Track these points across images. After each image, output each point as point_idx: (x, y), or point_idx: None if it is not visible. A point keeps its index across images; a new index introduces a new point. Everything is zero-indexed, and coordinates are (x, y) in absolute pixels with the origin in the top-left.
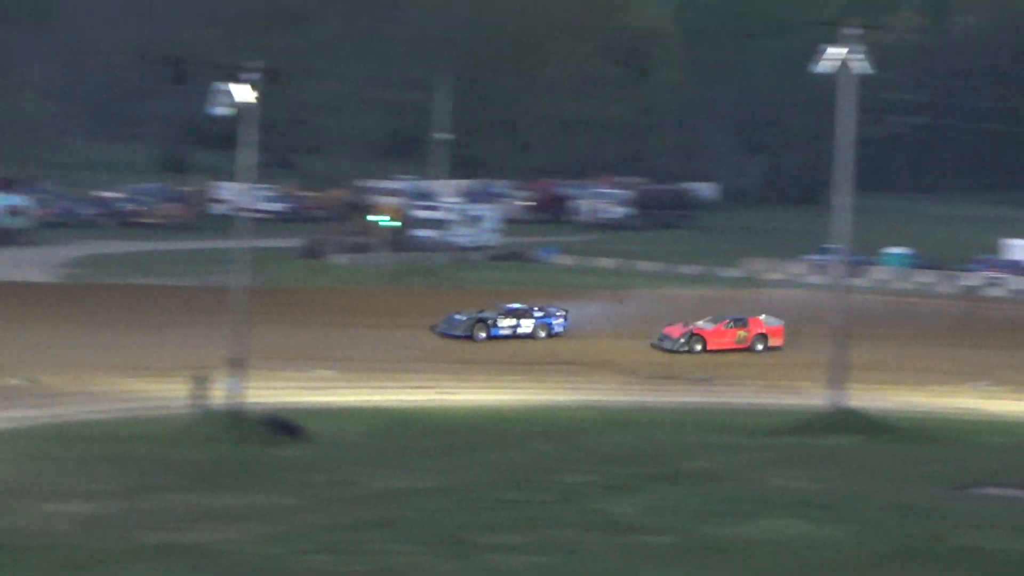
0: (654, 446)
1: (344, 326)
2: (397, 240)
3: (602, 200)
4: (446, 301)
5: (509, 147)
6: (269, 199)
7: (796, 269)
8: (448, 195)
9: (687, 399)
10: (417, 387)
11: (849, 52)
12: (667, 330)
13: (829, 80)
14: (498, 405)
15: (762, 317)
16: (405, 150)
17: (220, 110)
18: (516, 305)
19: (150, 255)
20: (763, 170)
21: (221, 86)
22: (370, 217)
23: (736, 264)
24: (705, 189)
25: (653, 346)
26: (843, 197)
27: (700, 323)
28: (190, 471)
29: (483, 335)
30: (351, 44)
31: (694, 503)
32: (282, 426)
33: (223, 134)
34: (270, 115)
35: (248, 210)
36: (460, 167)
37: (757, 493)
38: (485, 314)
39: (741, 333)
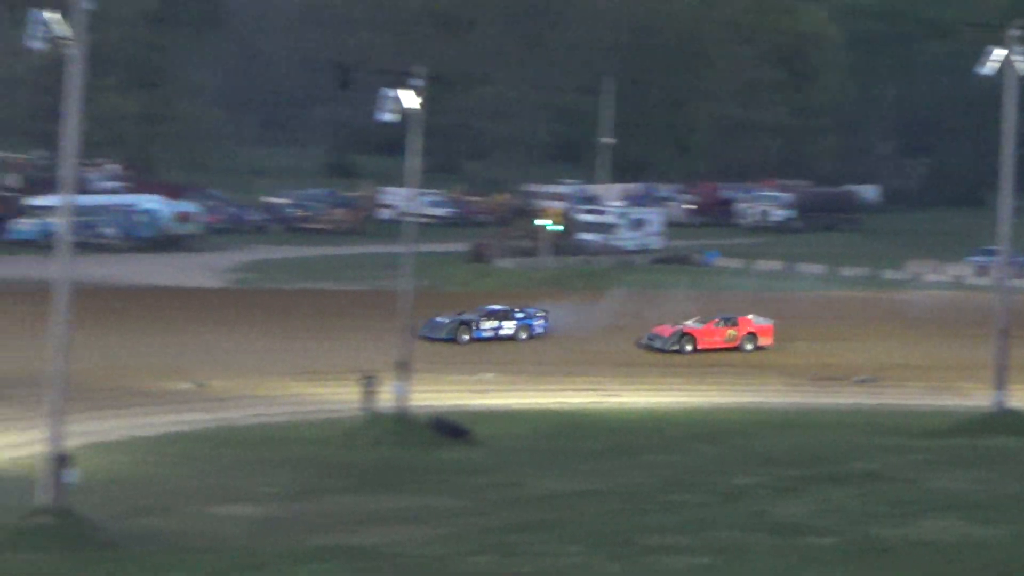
0: (816, 447)
1: None
2: (561, 244)
3: (765, 203)
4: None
5: (673, 151)
6: (435, 204)
7: (959, 271)
8: (612, 199)
9: (844, 400)
10: (580, 389)
11: (1012, 53)
12: (657, 330)
13: (991, 81)
14: (659, 407)
15: (751, 317)
16: (570, 154)
17: (387, 116)
18: (496, 307)
19: (317, 260)
20: (925, 172)
21: (388, 92)
22: (535, 221)
23: (899, 266)
24: (867, 191)
25: (641, 346)
26: (1006, 198)
27: (689, 323)
28: (357, 474)
29: (466, 337)
30: (517, 50)
31: (857, 504)
32: (448, 428)
33: (390, 139)
34: (436, 120)
35: (414, 215)
36: (624, 171)
37: (919, 494)
38: (467, 316)
39: (731, 332)
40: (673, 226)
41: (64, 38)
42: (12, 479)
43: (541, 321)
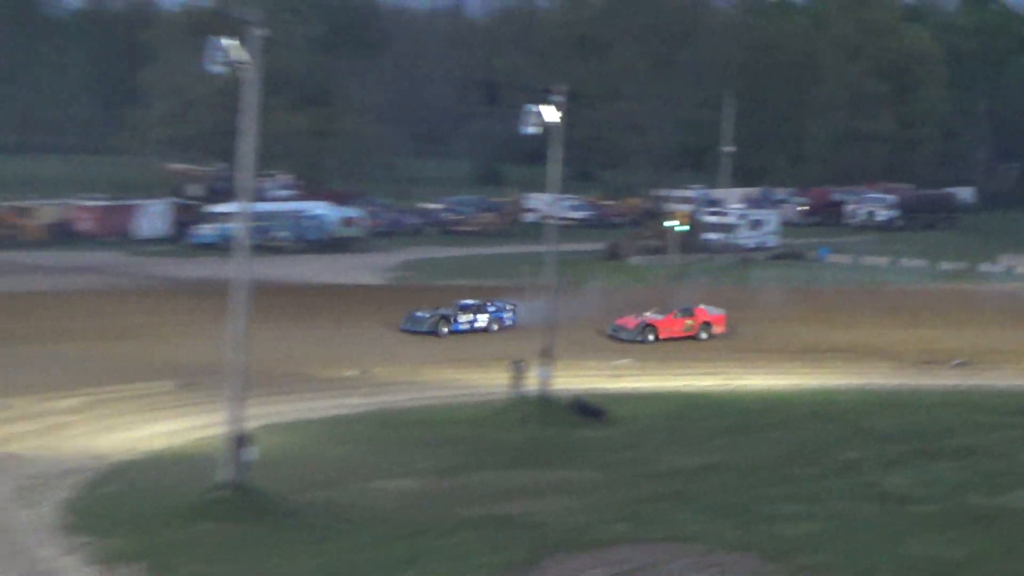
0: (918, 425)
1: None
2: (688, 243)
3: (871, 205)
4: (719, 296)
5: (788, 158)
6: (574, 208)
7: None
8: (733, 202)
9: (943, 382)
10: (706, 373)
11: None
12: (620, 321)
13: None
14: (775, 389)
15: (704, 307)
16: (695, 162)
17: (530, 129)
18: (470, 301)
19: (468, 259)
20: (1016, 175)
21: (532, 108)
22: (664, 223)
23: (993, 260)
24: (964, 193)
25: (609, 336)
26: None
27: (649, 314)
28: (505, 451)
29: (445, 330)
30: (647, 69)
31: (956, 476)
32: (587, 409)
33: (533, 150)
34: (575, 133)
35: (555, 218)
36: (744, 176)
37: (1013, 467)
38: (444, 311)
39: (688, 322)
40: (788, 226)
41: (241, 62)
42: (198, 457)
43: (510, 314)
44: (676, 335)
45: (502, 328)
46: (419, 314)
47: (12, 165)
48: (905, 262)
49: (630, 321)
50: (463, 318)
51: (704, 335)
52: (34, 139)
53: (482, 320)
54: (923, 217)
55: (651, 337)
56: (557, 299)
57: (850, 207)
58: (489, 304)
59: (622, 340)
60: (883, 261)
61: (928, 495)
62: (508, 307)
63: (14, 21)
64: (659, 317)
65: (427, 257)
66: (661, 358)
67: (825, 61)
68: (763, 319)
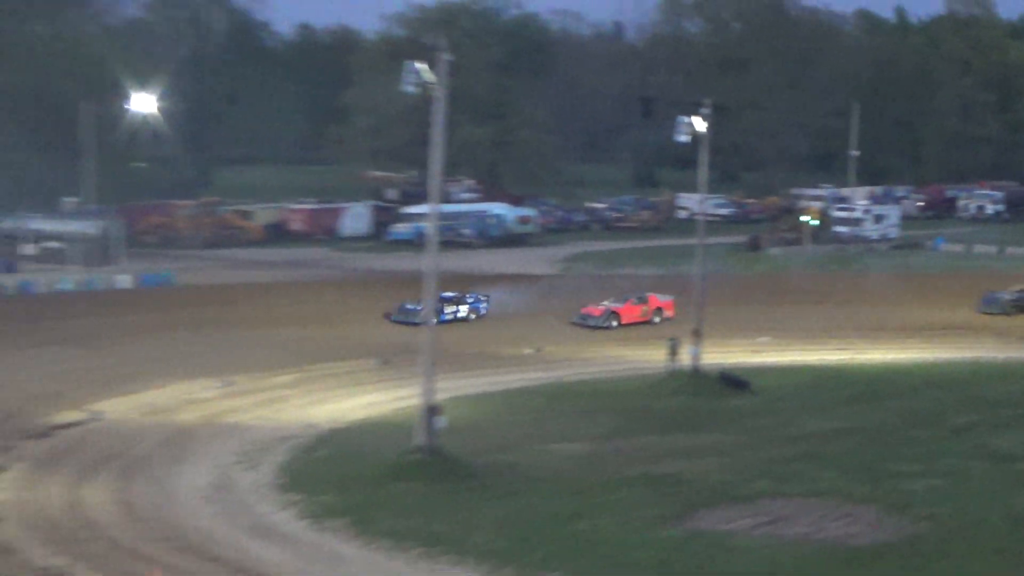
0: None
1: (778, 303)
2: (819, 235)
3: (980, 200)
4: (849, 282)
5: (906, 160)
6: (719, 206)
7: None
8: (859, 199)
9: None
10: (836, 349)
11: None
12: (586, 310)
13: None
14: (898, 362)
15: (655, 294)
16: (825, 164)
17: (682, 137)
18: (451, 293)
19: (627, 251)
20: None
21: (683, 119)
22: (799, 218)
23: None
24: None
25: (575, 324)
26: None
27: (607, 302)
28: (661, 417)
29: (434, 321)
30: (782, 83)
31: None
32: (732, 381)
33: (683, 155)
34: (719, 140)
35: (704, 215)
36: (868, 176)
37: None
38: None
39: (644, 308)
40: (907, 219)
41: (430, 83)
42: (395, 425)
43: (485, 304)
44: (635, 320)
45: (479, 317)
46: (409, 306)
47: (236, 175)
48: (1010, 250)
49: (595, 310)
50: (448, 309)
51: (656, 319)
52: (254, 152)
53: (463, 311)
54: None
55: (615, 323)
56: (705, 287)
57: (962, 202)
58: (468, 296)
59: (589, 327)
60: (991, 249)
61: None
62: (483, 298)
63: (238, 52)
64: (619, 305)
65: (591, 250)
66: (799, 336)
67: (938, 74)
68: (885, 301)
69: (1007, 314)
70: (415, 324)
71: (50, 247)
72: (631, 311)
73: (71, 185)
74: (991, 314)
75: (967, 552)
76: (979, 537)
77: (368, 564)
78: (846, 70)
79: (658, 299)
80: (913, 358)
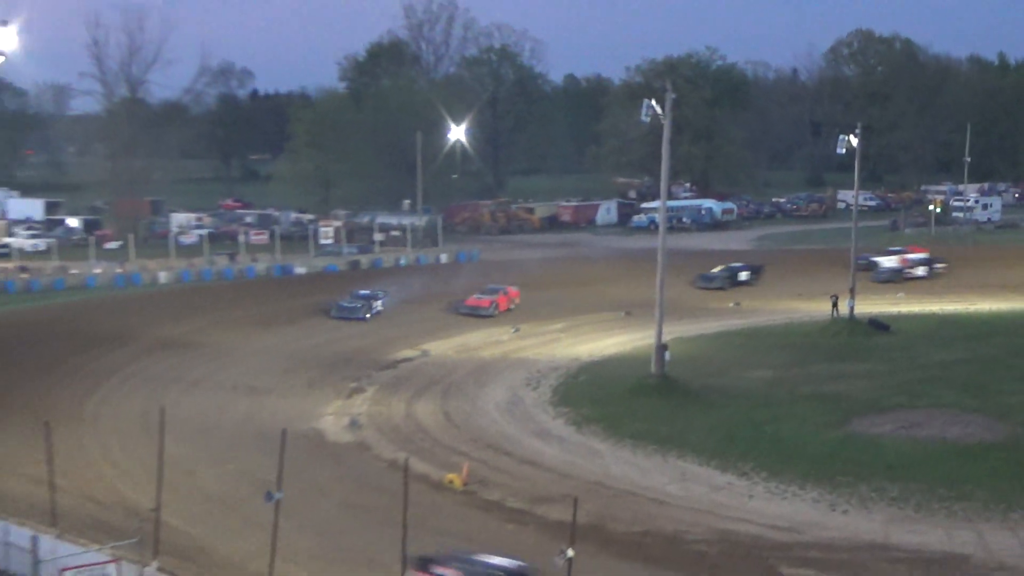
0: None
1: None
2: (942, 219)
3: None
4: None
5: (1006, 163)
6: (868, 199)
7: None
8: (971, 192)
9: None
10: (954, 301)
11: None
12: (470, 302)
13: None
14: (1001, 311)
15: (511, 287)
16: (945, 167)
17: (841, 149)
18: (366, 291)
19: (801, 233)
20: None
21: (842, 137)
22: (927, 207)
23: None
24: None
25: (462, 314)
26: None
27: (478, 296)
28: (825, 352)
29: (368, 316)
30: (914, 110)
31: None
32: (878, 325)
33: (842, 163)
34: (868, 151)
35: (857, 206)
36: (978, 175)
37: None
38: (359, 300)
39: (505, 300)
40: (1006, 207)
41: (659, 115)
42: (635, 358)
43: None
44: (504, 309)
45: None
46: (344, 303)
47: (522, 182)
48: None
49: (484, 301)
50: (375, 304)
51: (512, 306)
52: (534, 165)
53: (378, 305)
54: None
55: (495, 312)
56: (854, 260)
57: None
58: (380, 292)
59: (481, 316)
60: None
61: None
62: (381, 294)
63: (523, 95)
64: (494, 296)
65: (774, 232)
66: (926, 293)
67: None
68: (992, 265)
69: None
70: (356, 319)
71: (392, 235)
72: (502, 301)
73: (407, 191)
74: None
75: None
76: None
77: (617, 457)
78: (961, 99)
79: (512, 289)
80: (1012, 307)
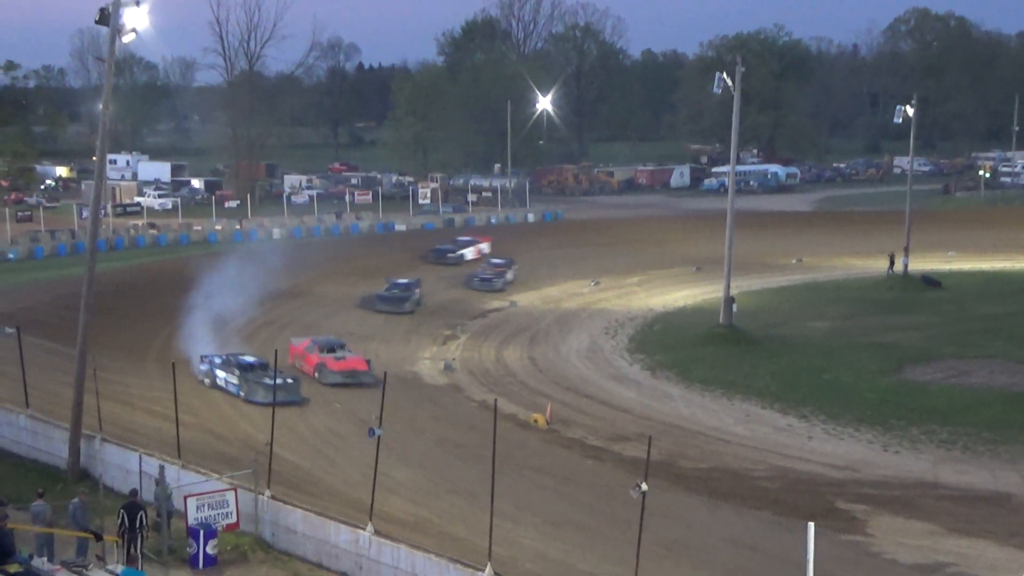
0: None
1: (961, 228)
2: (990, 184)
3: None
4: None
5: None
6: (922, 164)
7: None
8: (1019, 159)
9: None
10: (1002, 259)
11: None
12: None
13: None
14: None
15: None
16: (995, 135)
17: (897, 119)
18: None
19: (857, 196)
20: None
21: (899, 107)
22: (977, 172)
23: None
24: None
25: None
26: None
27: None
28: (880, 305)
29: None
30: (966, 82)
31: None
32: (929, 281)
33: (898, 131)
34: (923, 120)
35: (912, 171)
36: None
37: None
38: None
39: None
40: None
41: (730, 86)
42: (705, 310)
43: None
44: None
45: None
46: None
47: (604, 148)
48: None
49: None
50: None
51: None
52: (615, 133)
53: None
54: None
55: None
56: (910, 224)
57: None
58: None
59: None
60: None
61: None
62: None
63: (604, 68)
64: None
65: (836, 195)
66: (976, 250)
67: None
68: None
69: None
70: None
71: (484, 196)
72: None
73: (498, 156)
74: None
75: None
76: None
77: (687, 400)
78: (1010, 73)
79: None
80: None
